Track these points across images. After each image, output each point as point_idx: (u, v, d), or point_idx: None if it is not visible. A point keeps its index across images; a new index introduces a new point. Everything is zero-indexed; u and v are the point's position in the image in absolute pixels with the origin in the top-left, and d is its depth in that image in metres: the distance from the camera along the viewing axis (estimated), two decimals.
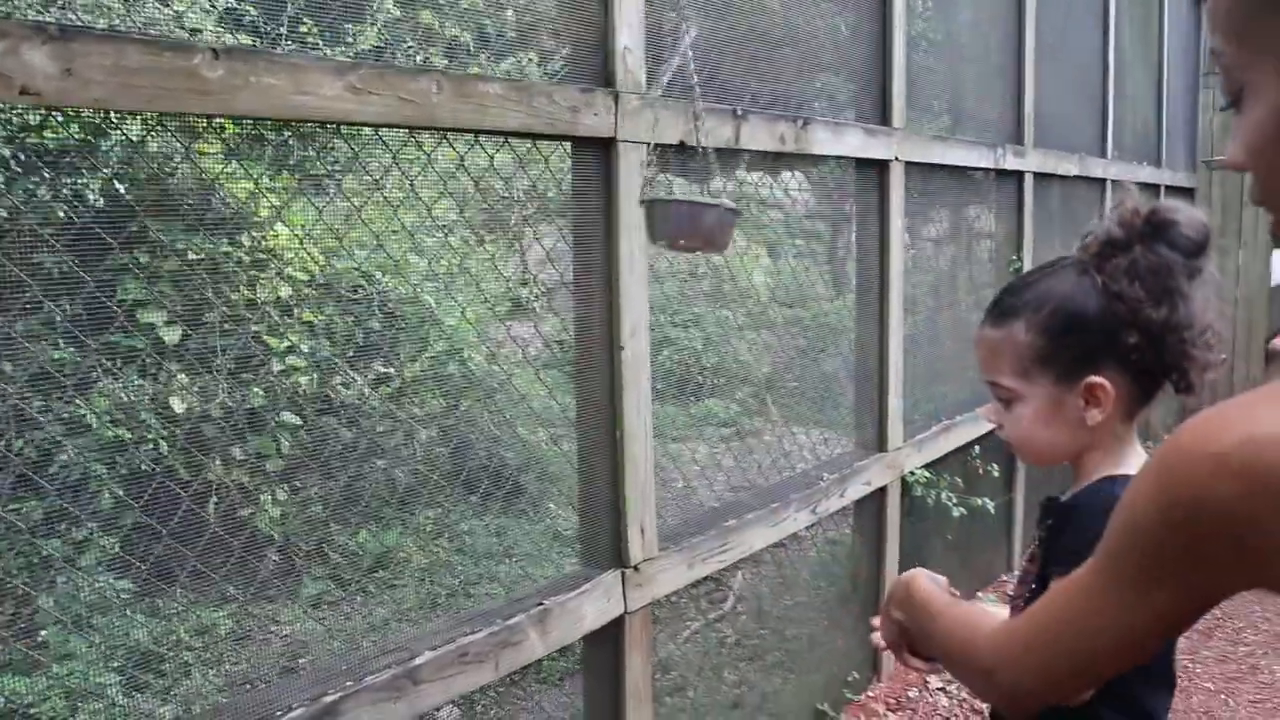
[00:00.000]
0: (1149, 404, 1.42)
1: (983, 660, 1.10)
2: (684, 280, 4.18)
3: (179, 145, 1.92)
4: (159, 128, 1.83)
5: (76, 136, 1.97)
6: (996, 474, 4.87)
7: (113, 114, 1.67)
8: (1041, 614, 0.98)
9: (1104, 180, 6.41)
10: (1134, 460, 1.42)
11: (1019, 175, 5.11)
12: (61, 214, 2.51)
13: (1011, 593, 1.57)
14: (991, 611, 1.35)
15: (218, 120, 1.99)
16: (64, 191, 2.60)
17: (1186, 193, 8.67)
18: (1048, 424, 1.43)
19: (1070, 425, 1.42)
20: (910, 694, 4.06)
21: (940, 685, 4.10)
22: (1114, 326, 1.34)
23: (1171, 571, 0.80)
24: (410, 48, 2.63)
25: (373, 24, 2.72)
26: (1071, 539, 1.32)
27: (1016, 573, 1.63)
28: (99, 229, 1.93)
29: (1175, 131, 8.19)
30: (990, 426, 4.73)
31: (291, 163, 3.20)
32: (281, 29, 2.32)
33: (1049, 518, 1.48)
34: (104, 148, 2.58)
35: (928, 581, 1.43)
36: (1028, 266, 5.20)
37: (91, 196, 2.49)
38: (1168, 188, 7.92)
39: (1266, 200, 0.84)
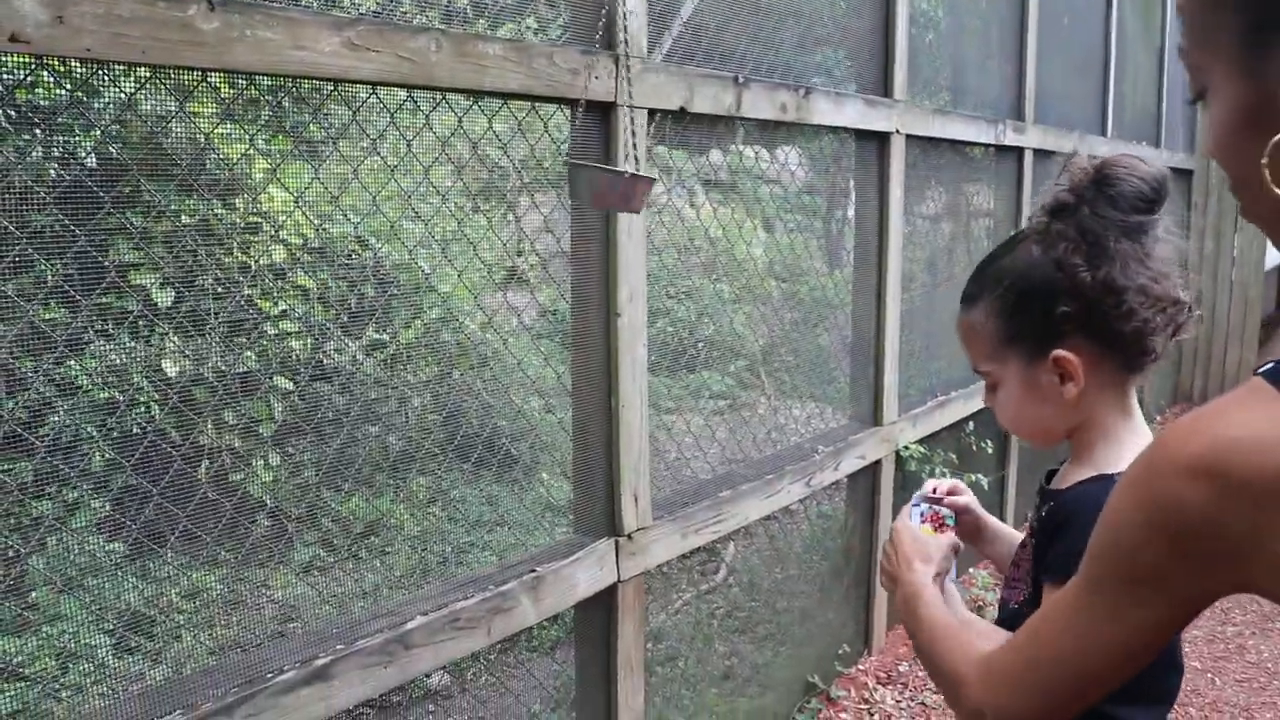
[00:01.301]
0: (1137, 373, 1.40)
1: (971, 698, 1.10)
2: (680, 252, 4.16)
3: (173, 104, 1.89)
4: (152, 82, 1.80)
5: (69, 91, 1.94)
6: (990, 450, 4.87)
7: (105, 65, 1.64)
8: (1028, 647, 0.98)
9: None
10: (1133, 442, 1.40)
11: (1019, 151, 5.09)
12: (53, 173, 2.48)
13: (1009, 575, 1.55)
14: (977, 627, 1.35)
15: (213, 78, 1.96)
16: (56, 150, 2.57)
17: (1185, 174, 8.65)
18: (1030, 403, 1.43)
19: (1052, 402, 1.40)
20: (901, 667, 4.07)
21: None
22: (1059, 296, 1.33)
23: (1157, 580, 0.81)
24: (407, 12, 2.60)
25: None
26: (1066, 546, 1.32)
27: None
28: (93, 187, 1.91)
29: (1175, 113, 8.16)
30: (983, 404, 4.74)
31: (288, 126, 3.17)
32: None
33: (1043, 504, 1.47)
34: (97, 106, 2.54)
35: (920, 561, 1.46)
36: None
37: (84, 155, 2.46)
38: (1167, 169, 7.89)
39: (1235, 190, 0.88)
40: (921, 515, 1.59)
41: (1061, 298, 1.32)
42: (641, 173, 2.09)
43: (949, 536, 1.56)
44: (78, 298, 2.16)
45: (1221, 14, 0.83)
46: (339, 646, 1.95)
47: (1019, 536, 1.70)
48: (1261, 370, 0.76)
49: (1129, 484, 0.82)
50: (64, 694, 2.70)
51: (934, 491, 1.64)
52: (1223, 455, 0.74)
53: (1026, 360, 1.39)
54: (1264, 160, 0.81)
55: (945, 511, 1.60)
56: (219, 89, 2.24)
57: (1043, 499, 1.49)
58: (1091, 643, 0.88)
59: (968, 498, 1.67)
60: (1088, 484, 1.39)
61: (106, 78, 1.78)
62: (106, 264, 2.05)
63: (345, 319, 3.42)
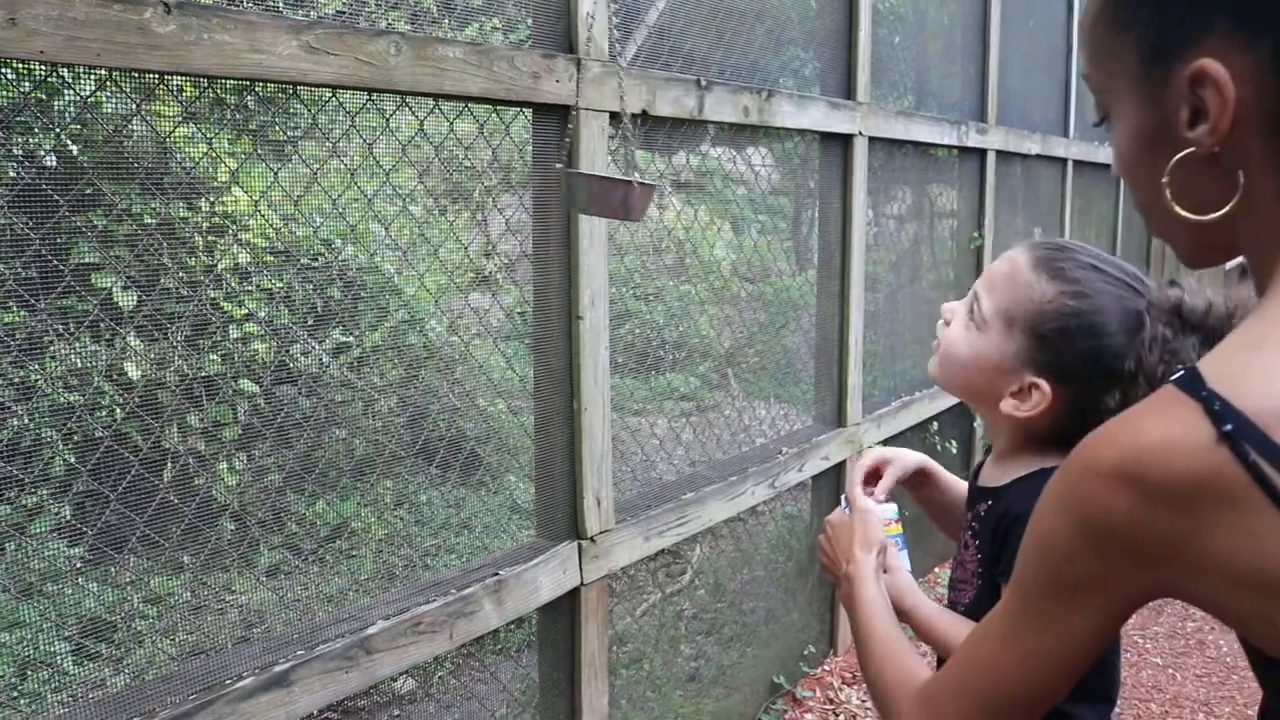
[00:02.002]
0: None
1: None
2: (646, 254, 4.17)
3: (132, 104, 1.88)
4: (110, 84, 1.79)
5: (25, 92, 1.93)
6: (954, 450, 4.91)
7: (62, 69, 1.63)
8: (967, 673, 0.96)
9: (1065, 160, 6.46)
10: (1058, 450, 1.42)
11: (981, 153, 5.13)
12: (11, 173, 2.46)
13: (953, 575, 1.56)
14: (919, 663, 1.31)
15: (176, 81, 1.95)
16: (14, 150, 2.54)
17: None
18: (980, 369, 1.44)
19: (991, 392, 1.43)
20: None
21: None
22: (1110, 373, 1.32)
23: (1090, 587, 0.82)
24: (373, 12, 2.59)
25: None
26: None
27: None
28: (52, 189, 1.89)
29: None
30: (947, 405, 4.74)
31: (252, 127, 3.15)
32: None
33: (980, 501, 1.49)
34: (57, 106, 2.52)
35: (860, 548, 1.42)
36: (990, 244, 5.23)
37: (43, 155, 2.44)
38: None
39: (1140, 209, 0.92)
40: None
41: (1114, 383, 1.33)
42: (640, 178, 2.06)
43: (887, 506, 1.55)
44: (37, 300, 2.14)
45: (1120, 41, 0.86)
46: (300, 652, 1.94)
47: (964, 485, 1.71)
48: (1174, 379, 0.77)
49: (1054, 496, 0.84)
50: (22, 702, 2.67)
51: (863, 474, 1.62)
52: (1139, 461, 0.75)
53: (1018, 349, 1.41)
54: (1164, 180, 0.84)
55: (891, 509, 1.58)
56: (183, 90, 2.23)
57: (978, 497, 1.51)
58: (1032, 657, 0.88)
59: (899, 462, 1.65)
60: (1030, 480, 1.41)
61: (63, 80, 1.77)
62: (67, 267, 2.03)
63: (310, 321, 3.41)
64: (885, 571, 1.45)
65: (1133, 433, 0.77)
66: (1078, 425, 1.33)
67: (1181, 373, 0.77)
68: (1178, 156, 0.82)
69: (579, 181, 2.06)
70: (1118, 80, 0.88)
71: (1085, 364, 1.35)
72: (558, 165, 2.31)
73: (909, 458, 1.68)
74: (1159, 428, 0.75)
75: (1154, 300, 1.32)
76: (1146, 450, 0.75)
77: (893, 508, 1.58)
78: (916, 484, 1.71)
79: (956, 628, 1.45)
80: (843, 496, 1.60)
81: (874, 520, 1.47)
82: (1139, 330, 1.32)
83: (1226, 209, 0.81)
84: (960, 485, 1.72)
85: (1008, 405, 1.41)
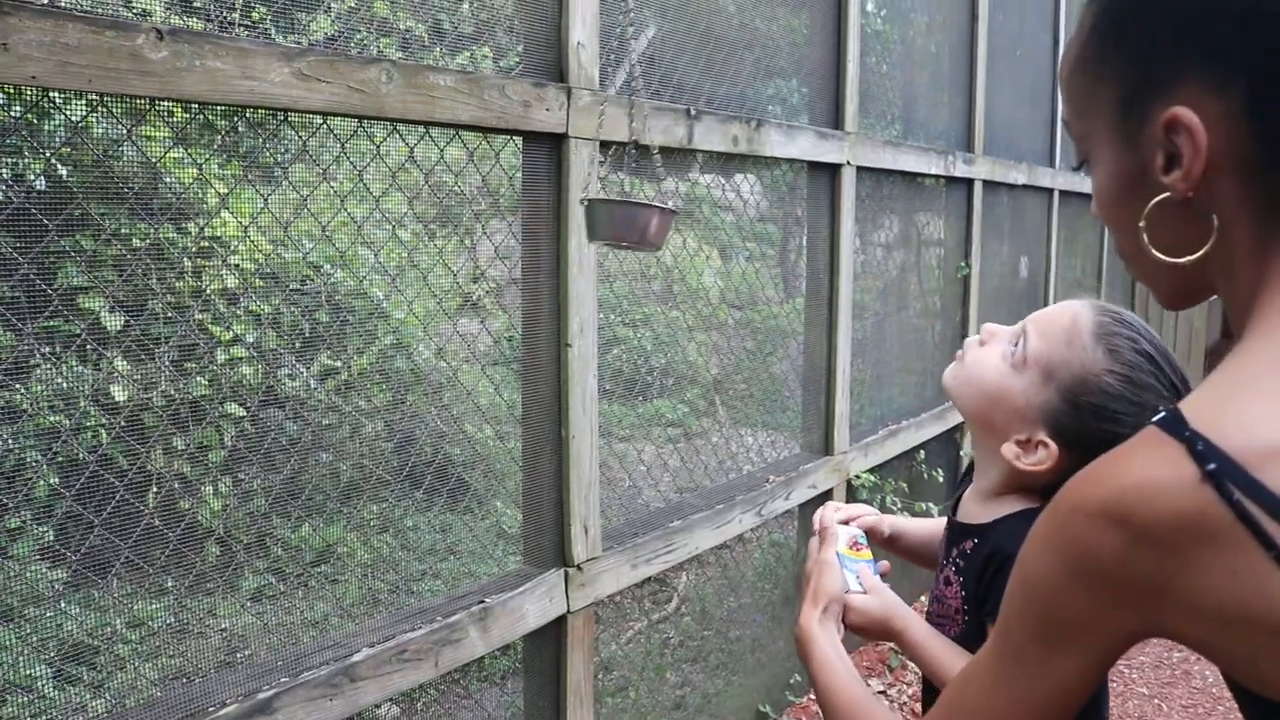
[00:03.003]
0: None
1: None
2: (634, 280, 4.18)
3: (123, 129, 1.88)
4: (101, 108, 1.79)
5: (16, 116, 1.93)
6: (941, 479, 4.91)
7: (54, 93, 1.63)
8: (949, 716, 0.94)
9: (1051, 190, 6.50)
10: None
11: (968, 183, 5.16)
12: (0, 195, 2.45)
13: (931, 611, 1.56)
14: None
15: (165, 105, 1.95)
16: (3, 173, 2.54)
17: None
18: (998, 405, 1.42)
19: (999, 428, 1.42)
20: None
21: (881, 689, 4.12)
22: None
23: (1079, 628, 0.82)
24: (364, 38, 2.60)
25: (326, 12, 2.69)
26: None
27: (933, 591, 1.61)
28: (40, 212, 1.89)
29: None
30: (935, 433, 4.75)
31: (242, 151, 3.15)
32: (234, 14, 2.28)
33: (963, 539, 1.48)
34: (47, 129, 2.52)
35: (816, 629, 1.37)
36: (976, 273, 5.26)
37: (32, 178, 2.44)
38: None
39: (1119, 251, 0.94)
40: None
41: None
42: (666, 205, 2.03)
43: (851, 530, 1.53)
44: (24, 322, 2.14)
45: (1097, 89, 0.88)
46: (283, 679, 1.93)
47: (931, 523, 1.71)
48: (1156, 420, 0.78)
49: (1040, 537, 0.83)
50: None
51: (847, 523, 1.58)
52: (1124, 501, 0.76)
53: (1027, 394, 1.41)
54: (1141, 224, 0.85)
55: (858, 533, 1.54)
56: (173, 114, 2.23)
57: (960, 533, 1.49)
58: (1021, 702, 0.87)
59: (870, 518, 1.63)
60: (1017, 518, 1.41)
61: (54, 104, 1.77)
62: (54, 289, 2.03)
63: (298, 345, 3.40)
64: (858, 597, 1.43)
65: (1118, 473, 0.77)
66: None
67: (1164, 414, 0.78)
68: (1154, 201, 0.84)
69: (601, 209, 2.02)
70: (1096, 126, 0.90)
71: (1100, 443, 1.32)
72: (580, 199, 2.29)
73: (870, 515, 1.66)
74: (1144, 468, 0.76)
75: None
76: (1131, 490, 0.75)
77: (858, 530, 1.55)
78: (887, 542, 1.70)
79: (948, 654, 1.43)
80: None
81: (831, 572, 1.44)
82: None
83: (1201, 251, 0.83)
84: (921, 524, 1.72)
85: (1009, 451, 1.40)
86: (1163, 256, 0.85)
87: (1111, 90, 0.87)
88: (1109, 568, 0.77)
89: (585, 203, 2.09)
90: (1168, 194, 0.83)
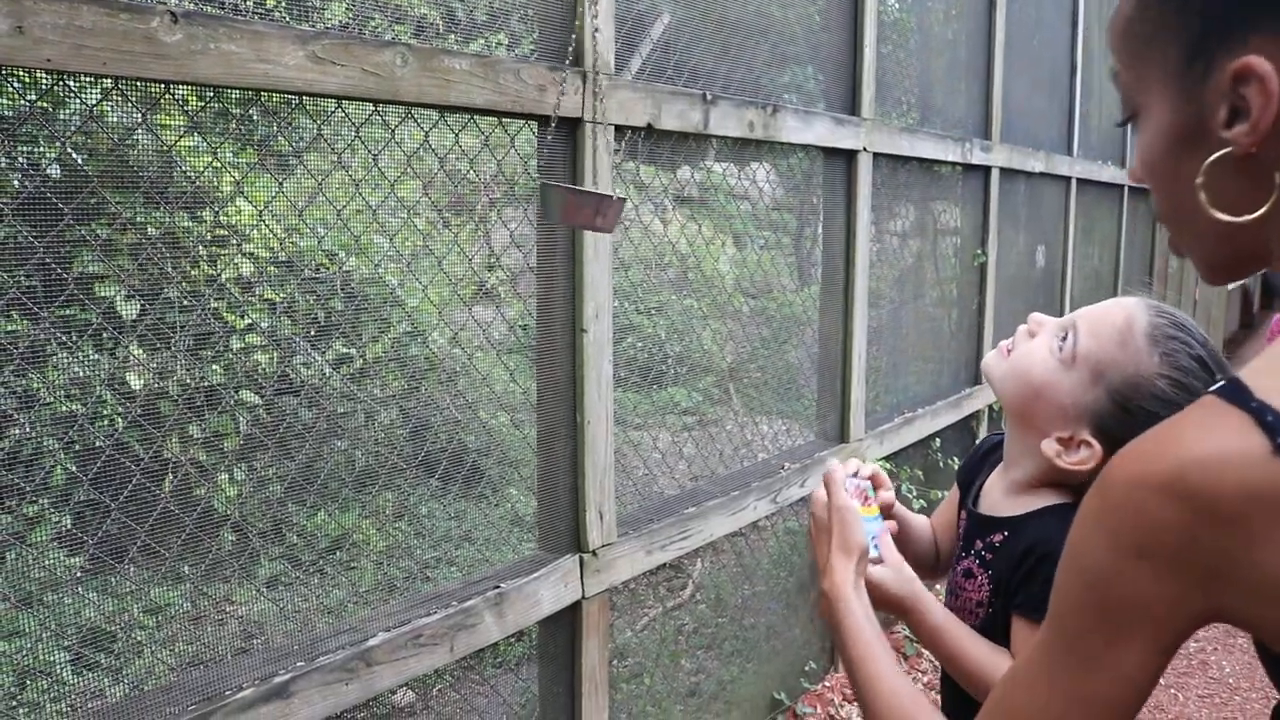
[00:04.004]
0: None
1: None
2: (649, 268, 4.17)
3: (138, 114, 1.88)
4: (115, 93, 1.79)
5: (32, 101, 1.93)
6: (956, 467, 4.89)
7: (68, 77, 1.63)
8: None
9: (1069, 178, 6.46)
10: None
11: (985, 170, 5.13)
12: (16, 183, 2.46)
13: (946, 604, 1.52)
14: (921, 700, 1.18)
15: (180, 91, 1.95)
16: (19, 159, 2.54)
17: (1148, 194, 8.73)
18: (1044, 400, 1.39)
19: (1041, 424, 1.39)
20: None
21: None
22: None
23: (1139, 613, 0.76)
24: (378, 25, 2.59)
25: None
26: (1046, 590, 1.32)
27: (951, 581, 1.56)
28: (57, 198, 1.89)
29: None
30: (950, 421, 4.73)
31: (257, 138, 3.16)
32: (248, 1, 2.28)
33: (992, 531, 1.45)
34: (63, 116, 2.52)
35: (851, 590, 1.27)
36: (992, 261, 5.23)
37: (47, 165, 2.44)
38: (1131, 188, 7.99)
39: (1161, 213, 0.89)
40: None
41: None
42: (613, 193, 2.08)
43: (875, 521, 1.41)
44: (40, 309, 2.14)
45: (1157, 37, 0.84)
46: (299, 663, 1.93)
47: (919, 518, 1.68)
48: (1214, 389, 0.75)
49: (1092, 517, 0.78)
50: (21, 711, 2.66)
51: (855, 474, 1.46)
52: (1189, 476, 0.71)
53: (1072, 393, 1.38)
54: (1199, 180, 0.81)
55: (866, 485, 1.44)
56: (188, 100, 2.23)
57: (985, 525, 1.46)
58: (1079, 703, 0.79)
59: (890, 493, 1.53)
60: (1051, 515, 1.38)
61: (69, 89, 1.77)
62: (70, 276, 2.03)
63: (313, 332, 3.41)
64: (877, 568, 1.35)
65: (1181, 446, 0.73)
66: None
67: (1224, 383, 0.75)
68: (1213, 157, 0.80)
69: (554, 193, 2.08)
70: (1150, 77, 0.85)
71: (1117, 409, 1.33)
72: (536, 178, 2.33)
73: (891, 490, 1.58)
74: (1208, 440, 0.72)
75: None
76: (1197, 463, 0.72)
77: (866, 482, 1.45)
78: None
79: (973, 643, 1.39)
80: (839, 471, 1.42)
81: (853, 520, 1.33)
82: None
83: (1264, 209, 0.79)
84: (912, 515, 1.68)
85: (1050, 448, 1.36)
86: (1220, 215, 0.81)
87: (1173, 39, 0.82)
88: (1172, 546, 0.73)
89: (539, 186, 2.14)
90: (1228, 149, 0.79)
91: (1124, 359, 1.33)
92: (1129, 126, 0.91)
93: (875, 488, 1.46)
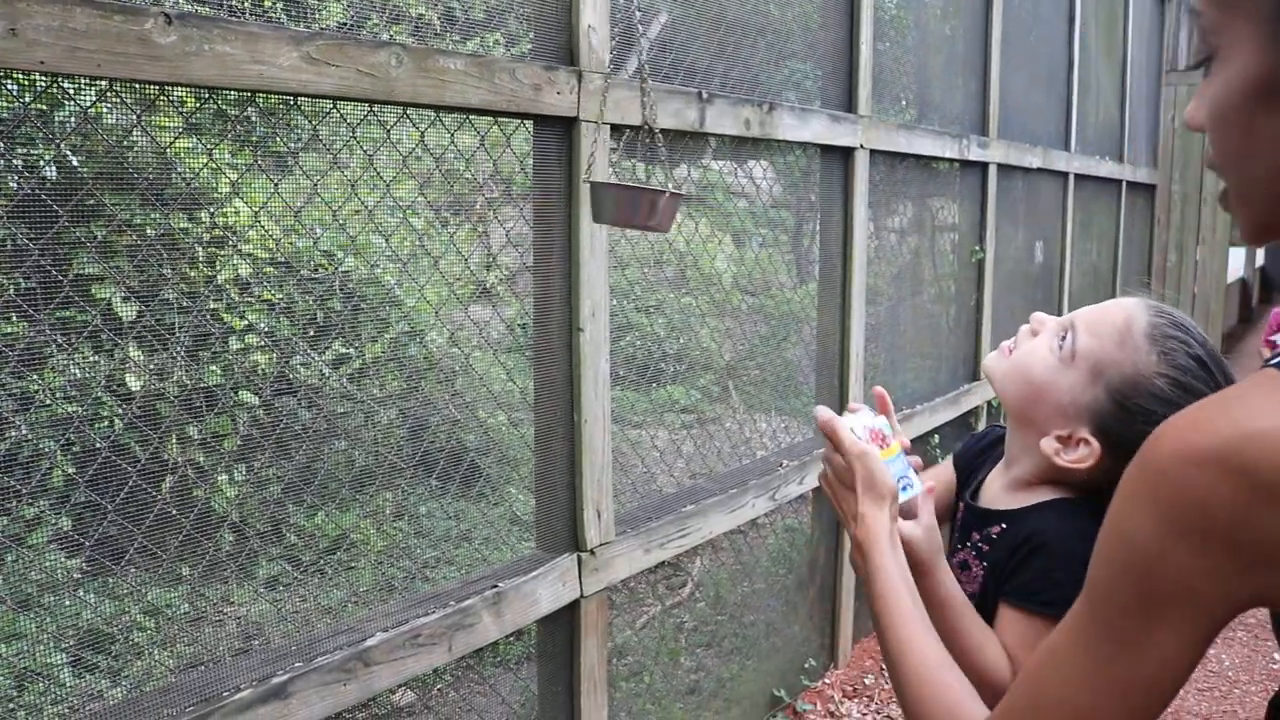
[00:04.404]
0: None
1: None
2: (647, 266, 4.17)
3: (133, 115, 1.88)
4: (111, 95, 1.79)
5: (26, 104, 1.93)
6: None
7: (63, 79, 1.63)
8: (1029, 713, 0.82)
9: (1066, 174, 6.46)
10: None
11: (983, 166, 5.13)
12: (12, 184, 2.46)
13: None
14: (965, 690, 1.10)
15: (176, 94, 1.95)
16: (15, 161, 2.54)
17: (1148, 189, 8.74)
18: (1043, 400, 1.39)
19: (1040, 422, 1.39)
20: (867, 680, 4.08)
21: None
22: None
23: (1181, 594, 0.71)
24: (375, 25, 2.59)
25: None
26: (1041, 569, 1.33)
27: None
28: (52, 200, 1.89)
29: (1138, 128, 8.26)
30: (949, 418, 4.72)
31: (254, 139, 3.15)
32: (245, 2, 2.28)
33: (989, 524, 1.45)
34: (59, 118, 2.52)
35: (888, 540, 1.21)
36: (990, 258, 5.23)
37: (43, 166, 2.44)
38: (1129, 183, 7.99)
39: (1223, 164, 0.82)
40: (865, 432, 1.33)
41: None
42: (668, 187, 2.02)
43: (898, 460, 1.36)
44: (37, 311, 2.14)
45: None
46: (297, 664, 1.93)
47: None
48: (1273, 361, 0.72)
49: (1134, 495, 0.74)
50: (20, 714, 2.66)
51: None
52: (1244, 450, 0.67)
53: (1072, 398, 1.38)
54: None
55: (882, 423, 1.39)
56: (184, 101, 2.23)
57: (983, 518, 1.46)
58: (1117, 688, 0.75)
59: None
60: (1050, 508, 1.38)
61: (64, 91, 1.77)
62: (67, 278, 2.03)
63: (311, 333, 3.41)
64: (907, 524, 1.30)
65: (1234, 419, 0.69)
66: (1105, 484, 1.32)
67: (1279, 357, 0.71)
68: None
69: (605, 192, 2.02)
70: (1237, 21, 0.78)
71: (1118, 409, 1.33)
72: (584, 179, 2.30)
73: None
74: (1267, 413, 0.68)
75: None
76: (1253, 438, 0.67)
77: (880, 419, 1.40)
78: None
79: (973, 623, 1.36)
80: (852, 419, 1.32)
81: (876, 463, 1.26)
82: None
83: None
84: None
85: (1049, 446, 1.36)
86: None
87: None
88: (1224, 525, 0.68)
89: (590, 185, 2.09)
90: None
91: (1123, 358, 1.33)
92: (1196, 70, 0.86)
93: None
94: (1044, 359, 1.40)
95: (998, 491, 1.48)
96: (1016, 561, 1.37)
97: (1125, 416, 1.32)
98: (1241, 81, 0.78)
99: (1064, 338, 1.39)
